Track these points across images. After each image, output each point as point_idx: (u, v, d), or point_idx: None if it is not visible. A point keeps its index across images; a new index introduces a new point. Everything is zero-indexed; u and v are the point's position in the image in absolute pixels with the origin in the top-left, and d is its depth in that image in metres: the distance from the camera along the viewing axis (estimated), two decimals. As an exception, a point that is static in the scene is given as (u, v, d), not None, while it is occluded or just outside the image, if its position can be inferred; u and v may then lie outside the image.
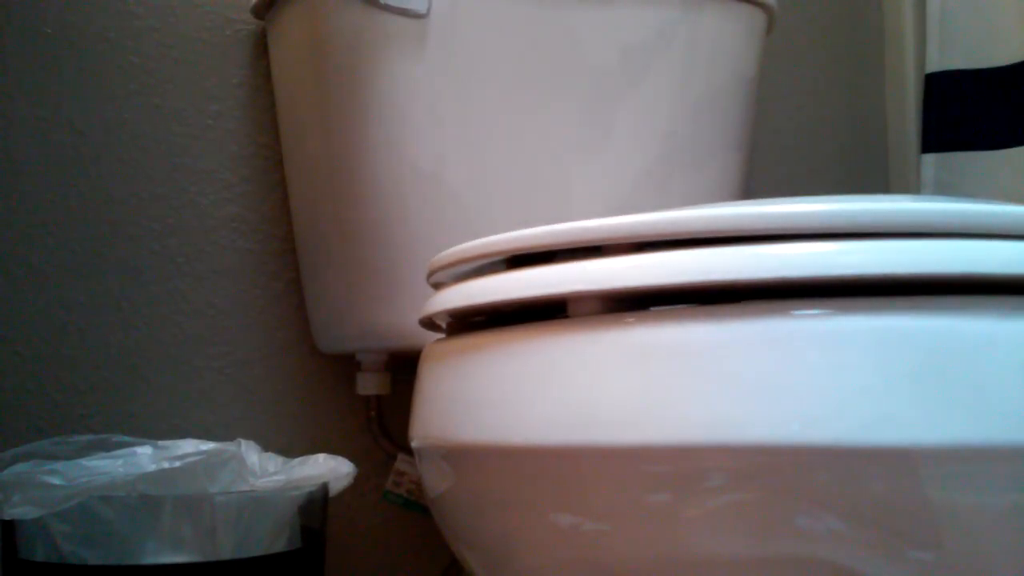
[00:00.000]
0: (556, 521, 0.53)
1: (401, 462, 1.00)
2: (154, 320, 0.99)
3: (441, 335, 0.67)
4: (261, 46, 1.03)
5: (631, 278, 0.51)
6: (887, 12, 1.28)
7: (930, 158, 1.15)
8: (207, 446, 0.76)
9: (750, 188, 1.20)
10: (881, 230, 0.48)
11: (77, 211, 0.97)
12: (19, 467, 0.73)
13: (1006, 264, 0.48)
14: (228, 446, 0.78)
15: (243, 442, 0.80)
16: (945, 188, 1.14)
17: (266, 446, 0.86)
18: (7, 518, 0.71)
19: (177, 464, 0.74)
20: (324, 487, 0.80)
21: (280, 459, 0.81)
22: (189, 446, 0.76)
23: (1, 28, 0.97)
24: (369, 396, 1.00)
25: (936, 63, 1.15)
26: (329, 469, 0.80)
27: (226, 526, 0.73)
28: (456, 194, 0.86)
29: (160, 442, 0.77)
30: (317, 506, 0.79)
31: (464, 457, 0.57)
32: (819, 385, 0.47)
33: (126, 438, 0.83)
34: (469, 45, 0.86)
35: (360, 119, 0.85)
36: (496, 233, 0.58)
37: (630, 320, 0.51)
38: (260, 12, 0.98)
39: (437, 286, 0.65)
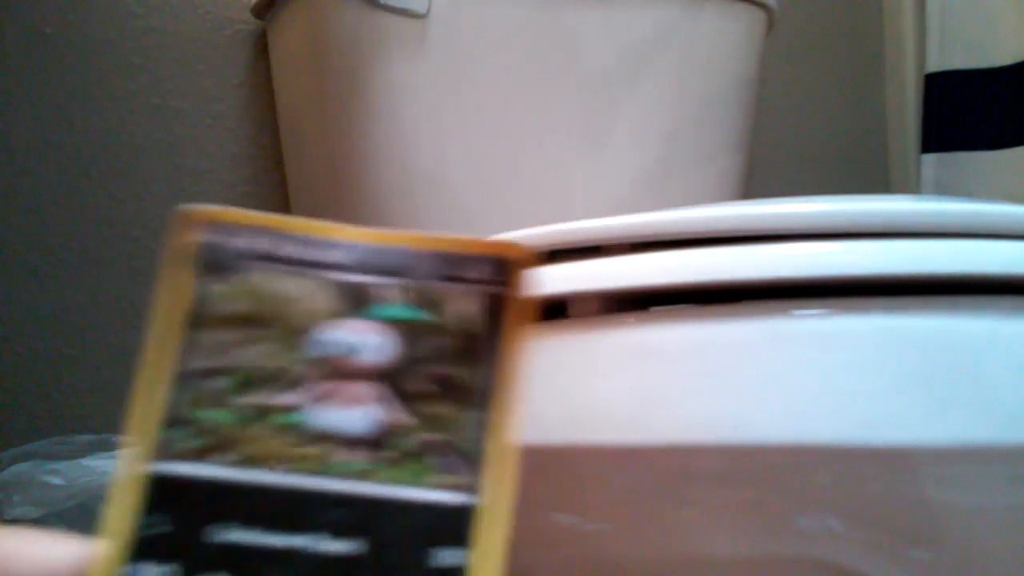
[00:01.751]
0: (556, 521, 0.53)
1: (401, 462, 1.00)
2: (154, 320, 0.99)
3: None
4: (261, 46, 1.03)
5: (631, 278, 0.51)
6: (887, 12, 1.28)
7: (930, 158, 1.15)
8: (207, 446, 0.77)
9: (750, 188, 1.20)
10: (881, 230, 0.48)
11: (77, 211, 0.97)
12: (19, 467, 0.73)
13: (1006, 264, 0.48)
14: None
15: (243, 442, 0.80)
16: (945, 188, 1.14)
17: (266, 446, 0.86)
18: (7, 518, 0.71)
19: (177, 464, 0.74)
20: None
21: (280, 459, 0.81)
22: (189, 446, 0.76)
23: (1, 28, 0.97)
24: (369, 396, 1.00)
25: (936, 63, 1.15)
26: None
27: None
28: (456, 194, 0.86)
29: (160, 442, 0.77)
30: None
31: (464, 457, 0.57)
32: (819, 385, 0.47)
33: (126, 438, 0.83)
34: (469, 45, 0.86)
35: (360, 119, 0.85)
36: (496, 233, 0.58)
37: (630, 320, 0.51)
38: (260, 12, 0.98)
39: (437, 286, 0.65)
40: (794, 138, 1.24)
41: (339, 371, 0.38)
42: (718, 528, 0.49)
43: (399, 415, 0.38)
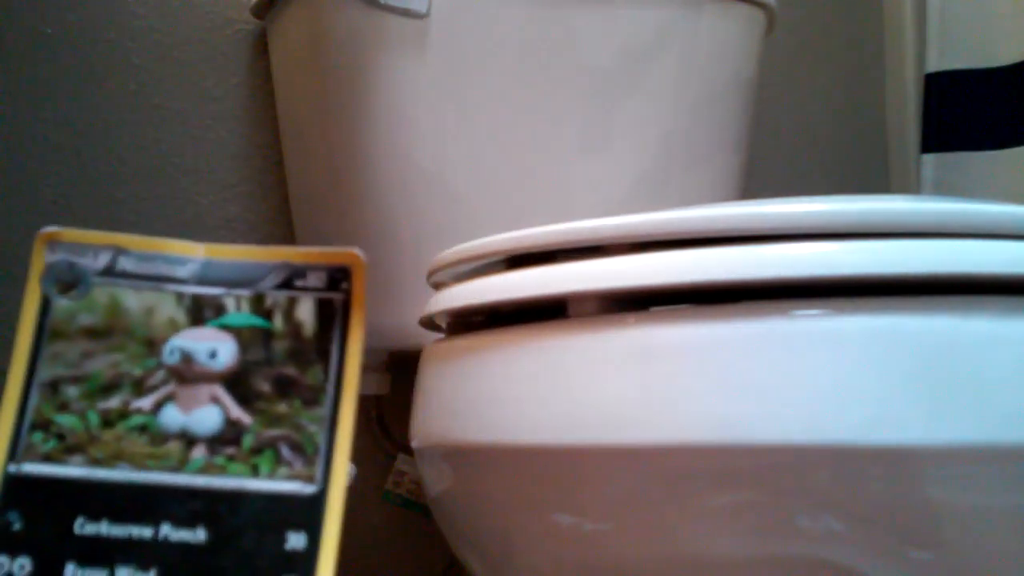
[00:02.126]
0: (556, 521, 0.53)
1: (401, 462, 1.00)
2: (154, 320, 0.99)
3: (441, 335, 0.67)
4: (261, 46, 1.03)
5: (631, 278, 0.51)
6: (887, 12, 1.28)
7: (930, 158, 1.15)
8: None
9: (749, 188, 1.20)
10: (881, 230, 0.48)
11: (77, 211, 0.97)
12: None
13: (1006, 264, 0.48)
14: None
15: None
16: (945, 188, 1.14)
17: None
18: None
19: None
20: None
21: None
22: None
23: (1, 28, 0.97)
24: (369, 396, 1.00)
25: (936, 63, 1.15)
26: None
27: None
28: (456, 194, 0.86)
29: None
30: (317, 506, 0.79)
31: (464, 457, 0.57)
32: (819, 385, 0.47)
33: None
34: (469, 45, 0.86)
35: (360, 120, 0.85)
36: (496, 233, 0.58)
37: (630, 320, 0.51)
38: (260, 12, 0.98)
39: (437, 286, 0.65)
40: (793, 138, 1.24)
41: (186, 376, 0.43)
42: (718, 528, 0.49)
43: (241, 414, 0.42)
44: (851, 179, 1.26)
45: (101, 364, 0.43)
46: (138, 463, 0.41)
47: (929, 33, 1.16)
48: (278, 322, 0.43)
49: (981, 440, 0.46)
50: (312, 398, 0.42)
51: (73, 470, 0.41)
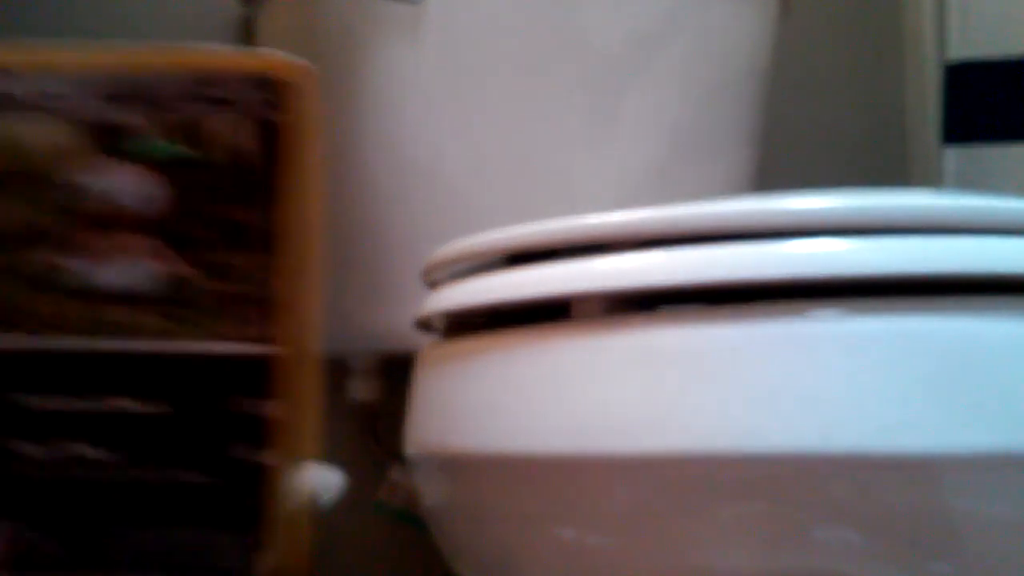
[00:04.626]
0: (559, 534, 0.54)
1: (394, 472, 1.00)
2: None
3: (437, 337, 0.67)
4: (249, 34, 1.03)
5: (637, 277, 0.51)
6: (906, -3, 1.28)
7: (952, 151, 1.15)
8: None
9: (763, 181, 1.20)
10: (900, 226, 0.48)
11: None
12: None
13: (1032, 262, 0.48)
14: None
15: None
16: (968, 182, 1.14)
17: (253, 454, 0.86)
18: None
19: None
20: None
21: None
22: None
23: (-27, 14, 0.97)
24: (361, 402, 1.00)
25: (957, 52, 1.15)
26: (318, 480, 0.80)
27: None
28: (454, 188, 0.86)
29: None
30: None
31: (461, 467, 0.57)
32: (836, 390, 0.47)
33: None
34: (467, 32, 0.86)
35: (353, 110, 0.85)
36: (495, 229, 0.58)
37: (637, 321, 0.51)
38: (246, -3, 0.98)
39: (433, 285, 0.65)
40: (809, 129, 1.24)
41: (102, 222, 0.36)
42: (729, 541, 0.49)
43: (181, 266, 0.36)
44: (869, 172, 1.26)
45: (4, 215, 0.35)
46: (78, 330, 0.36)
47: (950, 21, 1.16)
48: (202, 149, 0.35)
49: (1005, 448, 0.46)
50: (264, 245, 0.36)
51: (9, 340, 0.36)
